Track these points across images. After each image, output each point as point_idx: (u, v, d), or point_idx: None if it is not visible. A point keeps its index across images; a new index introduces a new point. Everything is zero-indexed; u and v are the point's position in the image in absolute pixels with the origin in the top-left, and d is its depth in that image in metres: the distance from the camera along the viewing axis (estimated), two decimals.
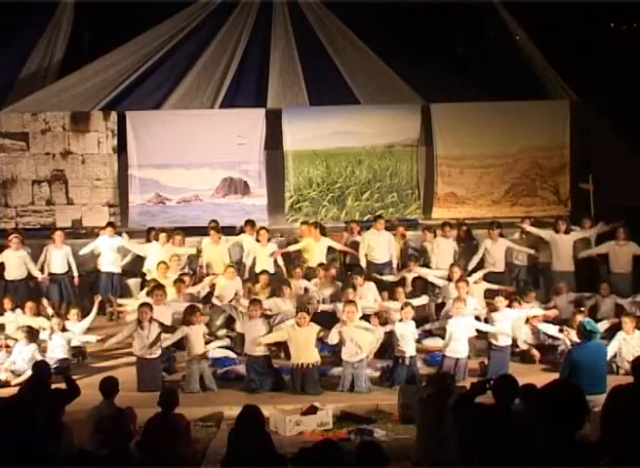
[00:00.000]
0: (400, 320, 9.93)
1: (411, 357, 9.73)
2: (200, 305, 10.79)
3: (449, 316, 10.22)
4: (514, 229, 13.39)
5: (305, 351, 9.60)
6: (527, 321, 10.86)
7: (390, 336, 10.09)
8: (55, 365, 9.73)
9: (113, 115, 15.01)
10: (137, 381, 9.72)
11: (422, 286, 12.06)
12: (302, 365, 9.53)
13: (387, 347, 10.31)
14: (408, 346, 9.73)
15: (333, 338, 9.74)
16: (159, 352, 9.84)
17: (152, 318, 9.84)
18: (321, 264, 12.15)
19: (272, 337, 9.84)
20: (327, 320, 10.30)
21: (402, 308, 10.00)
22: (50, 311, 11.51)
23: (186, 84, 15.33)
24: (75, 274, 12.85)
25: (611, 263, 12.45)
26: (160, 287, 10.77)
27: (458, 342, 9.72)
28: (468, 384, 9.31)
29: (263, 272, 12.05)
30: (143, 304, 10.06)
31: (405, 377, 9.60)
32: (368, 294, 11.15)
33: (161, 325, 9.90)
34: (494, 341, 9.89)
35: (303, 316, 9.77)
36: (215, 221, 13.57)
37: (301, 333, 9.66)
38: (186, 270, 12.67)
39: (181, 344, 10.07)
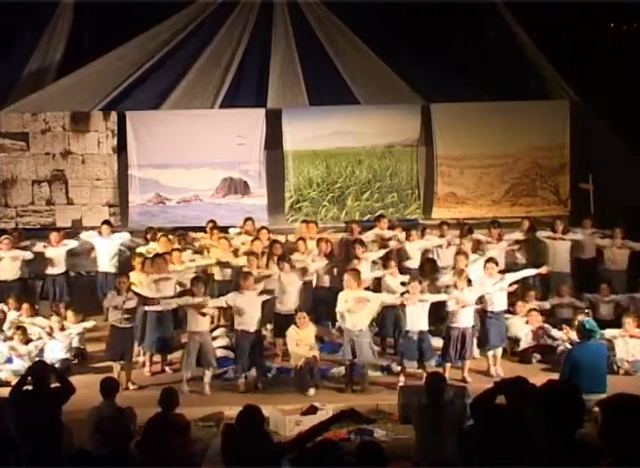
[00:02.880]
0: (407, 291, 10.02)
1: (420, 332, 9.73)
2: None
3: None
4: (514, 229, 13.37)
5: (305, 350, 9.64)
6: (527, 321, 10.89)
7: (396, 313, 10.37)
8: (55, 365, 9.72)
9: (113, 115, 15.01)
10: (105, 348, 10.03)
11: (432, 267, 12.00)
12: (304, 362, 9.55)
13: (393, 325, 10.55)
14: (414, 322, 9.75)
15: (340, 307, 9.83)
16: (131, 324, 9.96)
17: (130, 288, 10.03)
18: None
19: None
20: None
21: (409, 283, 10.05)
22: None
23: (186, 84, 15.31)
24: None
25: (607, 261, 12.58)
26: (161, 255, 10.89)
27: (461, 313, 9.81)
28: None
29: None
30: (122, 274, 10.27)
31: (411, 352, 9.68)
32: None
33: (139, 296, 10.06)
34: (489, 308, 9.99)
35: (303, 316, 9.81)
36: (212, 221, 13.38)
37: (299, 334, 9.70)
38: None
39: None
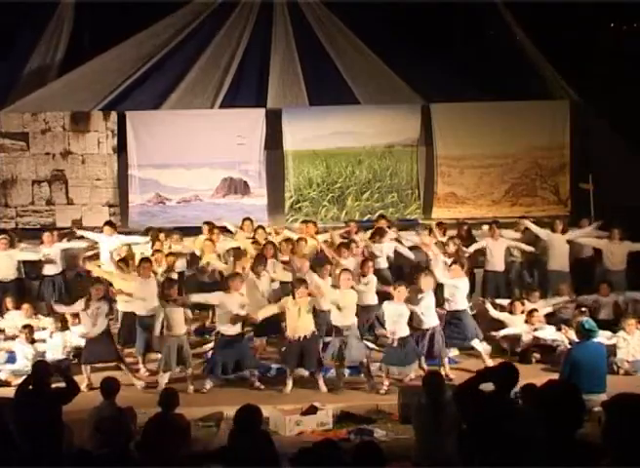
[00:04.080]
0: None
1: (401, 338, 9.62)
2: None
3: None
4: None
5: (302, 323, 9.58)
6: (526, 321, 10.89)
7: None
8: (55, 365, 9.72)
9: (113, 115, 15.01)
10: (82, 353, 9.90)
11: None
12: (299, 337, 9.52)
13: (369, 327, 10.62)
14: (396, 326, 9.63)
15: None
16: (102, 329, 9.86)
17: (105, 297, 10.00)
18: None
19: (268, 311, 9.80)
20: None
21: (394, 288, 9.91)
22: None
23: (187, 84, 15.31)
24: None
25: (606, 261, 12.55)
26: (147, 260, 10.82)
27: (425, 315, 9.85)
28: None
29: None
30: (97, 281, 10.19)
31: (395, 359, 9.58)
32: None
33: (110, 305, 10.04)
34: (450, 307, 10.18)
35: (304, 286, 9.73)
36: (208, 223, 13.18)
37: (297, 305, 9.59)
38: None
39: None
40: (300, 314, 9.56)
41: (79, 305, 9.98)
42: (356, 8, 14.81)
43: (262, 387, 9.70)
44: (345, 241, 12.11)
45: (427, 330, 9.84)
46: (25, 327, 10.48)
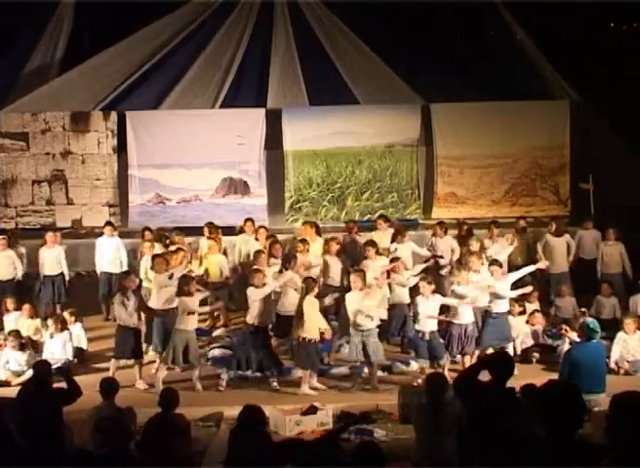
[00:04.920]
0: (419, 294, 9.90)
1: (431, 332, 9.69)
2: None
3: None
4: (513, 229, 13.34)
5: (318, 321, 9.62)
6: (527, 321, 10.89)
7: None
8: (55, 365, 9.70)
9: (113, 115, 15.02)
10: (114, 348, 9.93)
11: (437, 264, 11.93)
12: (314, 340, 9.54)
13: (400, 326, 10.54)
14: (426, 321, 9.68)
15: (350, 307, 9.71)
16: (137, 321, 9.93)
17: (135, 290, 10.05)
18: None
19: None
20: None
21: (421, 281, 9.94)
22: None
23: (187, 84, 15.33)
24: (66, 276, 12.65)
25: (602, 263, 12.46)
26: (160, 255, 10.78)
27: (462, 310, 9.81)
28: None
29: None
30: (127, 273, 10.32)
31: (426, 352, 9.62)
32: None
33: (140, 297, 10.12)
34: (494, 310, 9.99)
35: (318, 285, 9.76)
36: (211, 223, 13.15)
37: (314, 303, 9.61)
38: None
39: None
40: (315, 313, 9.61)
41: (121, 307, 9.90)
42: (356, 8, 14.82)
43: (278, 388, 9.65)
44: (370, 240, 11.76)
45: (462, 326, 9.83)
46: (11, 333, 10.35)
